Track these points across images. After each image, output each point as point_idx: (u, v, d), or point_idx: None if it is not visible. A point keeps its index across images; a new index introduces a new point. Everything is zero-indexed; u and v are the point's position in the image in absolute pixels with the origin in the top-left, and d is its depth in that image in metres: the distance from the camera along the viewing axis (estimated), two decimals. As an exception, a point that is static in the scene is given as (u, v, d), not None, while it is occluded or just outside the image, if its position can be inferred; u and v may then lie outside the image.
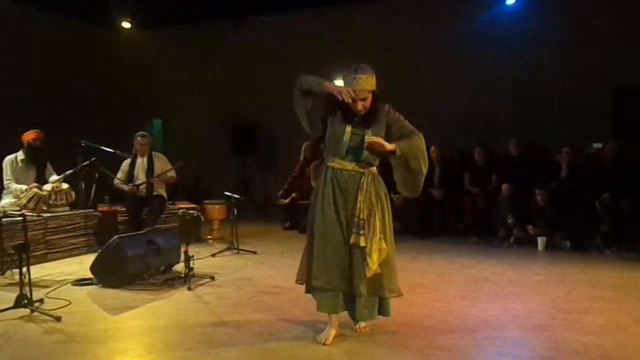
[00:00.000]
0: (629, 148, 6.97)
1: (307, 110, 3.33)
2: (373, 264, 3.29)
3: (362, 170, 3.39)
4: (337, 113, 3.42)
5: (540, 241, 6.75)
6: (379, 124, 3.41)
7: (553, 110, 8.36)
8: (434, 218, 7.85)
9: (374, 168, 3.47)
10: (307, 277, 3.46)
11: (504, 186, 7.22)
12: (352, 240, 3.30)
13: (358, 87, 3.28)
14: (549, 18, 8.45)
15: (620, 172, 6.77)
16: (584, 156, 7.42)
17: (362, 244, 3.28)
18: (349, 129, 3.37)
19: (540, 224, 6.88)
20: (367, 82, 3.31)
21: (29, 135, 6.30)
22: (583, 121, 7.98)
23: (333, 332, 3.42)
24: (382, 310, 3.50)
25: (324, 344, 3.34)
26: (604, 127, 7.85)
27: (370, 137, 3.33)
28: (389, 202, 3.50)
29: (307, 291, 3.53)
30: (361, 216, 3.31)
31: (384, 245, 3.35)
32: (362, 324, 3.59)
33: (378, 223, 3.34)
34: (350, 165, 3.40)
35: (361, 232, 3.29)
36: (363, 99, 3.32)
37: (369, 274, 3.30)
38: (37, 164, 6.35)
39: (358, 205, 3.32)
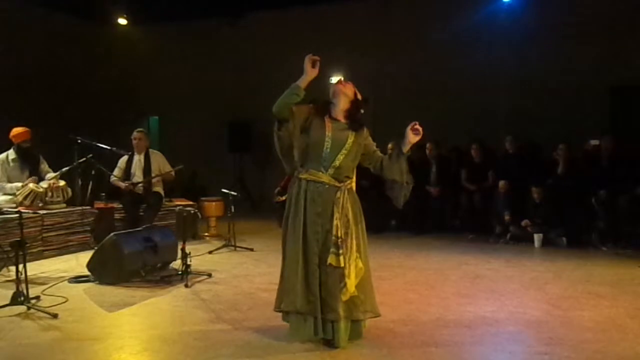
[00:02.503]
0: (625, 145, 6.99)
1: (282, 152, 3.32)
2: (351, 286, 3.14)
3: (337, 185, 3.23)
4: (313, 120, 3.30)
5: (537, 238, 6.76)
6: (362, 133, 3.37)
7: (550, 107, 8.37)
8: (431, 215, 7.85)
9: (350, 182, 3.33)
10: (278, 300, 3.33)
11: (501, 183, 7.22)
12: (329, 261, 3.13)
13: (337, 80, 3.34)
14: (545, 15, 8.44)
15: (617, 168, 6.78)
16: (580, 153, 7.44)
17: (341, 264, 3.12)
18: (329, 133, 3.25)
19: (536, 220, 6.89)
20: (349, 83, 3.39)
21: (17, 137, 6.20)
22: (580, 118, 8.00)
23: None
24: (354, 332, 3.29)
25: None
26: (601, 123, 7.86)
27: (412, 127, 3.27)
28: (363, 218, 3.36)
29: (283, 318, 3.38)
30: (338, 234, 3.15)
31: (361, 264, 3.20)
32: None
33: (354, 242, 3.20)
34: (325, 177, 3.22)
35: (340, 251, 3.13)
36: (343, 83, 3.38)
37: (345, 297, 3.14)
38: (30, 162, 6.31)
39: (335, 222, 3.16)
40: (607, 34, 8.06)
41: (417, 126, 3.30)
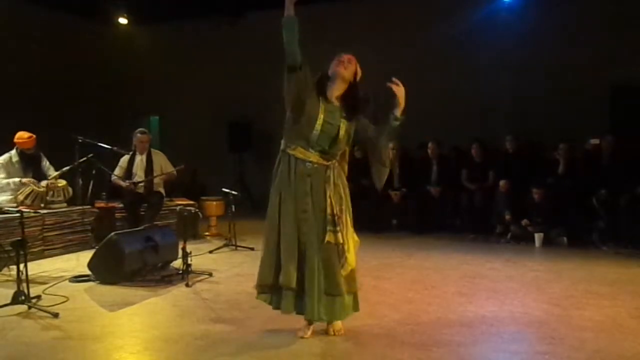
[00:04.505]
0: (625, 144, 6.99)
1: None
2: (352, 260, 3.20)
3: (326, 163, 3.22)
4: (310, 95, 3.20)
5: (537, 237, 6.76)
6: (356, 120, 3.29)
7: (550, 107, 8.36)
8: (431, 214, 7.85)
9: (336, 162, 3.30)
10: (262, 278, 3.31)
11: (502, 182, 7.22)
12: (327, 239, 3.14)
13: (343, 57, 3.24)
14: (545, 14, 8.44)
15: (617, 168, 6.78)
16: (581, 152, 7.44)
17: (340, 240, 3.15)
18: (322, 114, 3.16)
19: (537, 220, 6.89)
20: (351, 62, 3.27)
21: (22, 144, 6.19)
22: (580, 117, 7.99)
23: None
24: (355, 305, 3.37)
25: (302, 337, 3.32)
26: (601, 123, 7.85)
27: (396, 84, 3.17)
28: (348, 192, 3.33)
29: (261, 292, 3.37)
30: (334, 211, 3.16)
31: (356, 237, 3.27)
32: (338, 326, 3.38)
33: (349, 217, 3.24)
34: (314, 157, 3.19)
35: (338, 228, 3.15)
36: (345, 64, 3.24)
37: (345, 272, 3.19)
38: (33, 163, 6.30)
39: (328, 200, 3.16)
40: (607, 33, 8.05)
41: (395, 81, 3.23)
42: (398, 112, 3.25)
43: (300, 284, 3.20)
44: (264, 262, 3.32)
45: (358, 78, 3.34)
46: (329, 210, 3.16)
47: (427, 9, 9.13)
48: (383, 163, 3.37)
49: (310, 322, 3.35)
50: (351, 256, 3.21)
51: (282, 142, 3.31)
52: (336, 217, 3.16)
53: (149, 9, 10.03)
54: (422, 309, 4.04)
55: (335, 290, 3.21)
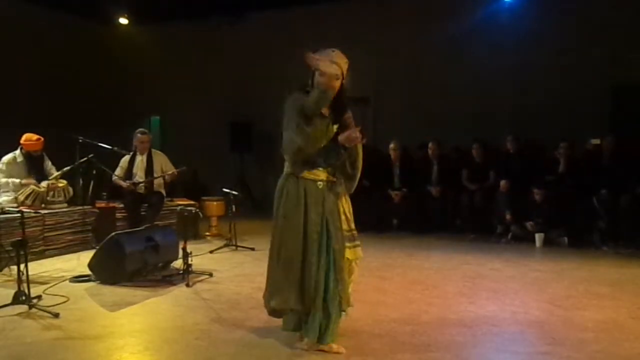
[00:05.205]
0: (626, 144, 6.99)
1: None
2: (356, 276, 3.22)
3: (333, 179, 3.13)
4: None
5: (538, 237, 6.76)
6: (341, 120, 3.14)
7: (551, 107, 8.36)
8: (432, 214, 7.85)
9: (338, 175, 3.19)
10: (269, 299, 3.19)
11: (502, 182, 7.23)
12: (346, 256, 3.08)
13: (336, 58, 3.04)
14: (547, 15, 8.44)
15: (618, 168, 6.78)
16: (581, 152, 7.44)
17: (361, 254, 3.15)
18: (323, 133, 3.03)
19: (538, 220, 6.89)
20: (343, 60, 3.06)
21: (30, 146, 6.20)
22: (581, 117, 7.99)
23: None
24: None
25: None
26: (602, 123, 7.86)
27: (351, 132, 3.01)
28: None
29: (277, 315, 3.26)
30: (351, 227, 3.14)
31: (360, 253, 3.21)
32: (335, 345, 3.19)
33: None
34: (323, 174, 3.10)
35: (357, 242, 3.15)
36: (337, 77, 3.03)
37: (351, 286, 3.19)
38: (37, 163, 6.32)
39: (342, 217, 3.11)
40: (608, 33, 8.05)
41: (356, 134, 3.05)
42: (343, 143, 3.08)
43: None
44: (281, 286, 3.12)
45: (344, 76, 3.12)
46: (345, 227, 3.12)
47: (428, 9, 9.13)
48: (347, 176, 3.22)
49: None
50: (357, 269, 3.23)
51: (287, 165, 3.16)
52: (353, 232, 3.15)
53: (149, 9, 10.04)
54: (423, 309, 4.04)
55: (344, 305, 3.13)
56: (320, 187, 3.10)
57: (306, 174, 3.10)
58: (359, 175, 3.23)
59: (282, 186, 3.17)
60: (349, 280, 3.16)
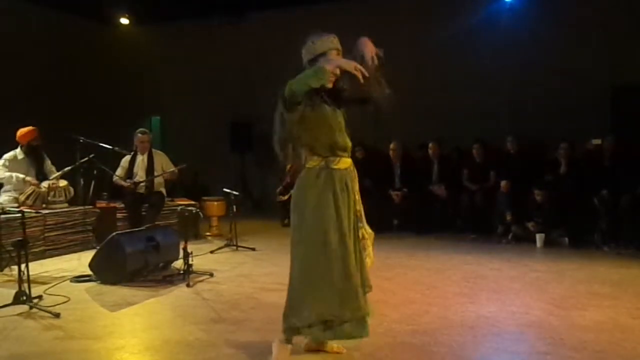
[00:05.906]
0: (627, 144, 6.98)
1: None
2: (372, 253, 3.05)
3: (350, 161, 3.03)
4: (318, 98, 2.92)
5: (539, 238, 6.76)
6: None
7: (552, 107, 8.35)
8: (432, 214, 7.85)
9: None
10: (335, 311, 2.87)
11: (503, 183, 7.23)
12: (360, 236, 3.00)
13: (339, 45, 2.98)
14: (547, 15, 8.43)
15: (619, 168, 6.78)
16: (582, 152, 7.43)
17: (366, 235, 3.03)
18: (333, 119, 2.92)
19: (538, 220, 6.89)
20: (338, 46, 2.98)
21: (26, 137, 6.23)
22: (582, 117, 7.98)
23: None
24: None
25: None
26: (603, 123, 7.85)
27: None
28: None
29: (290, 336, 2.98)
30: (358, 207, 3.03)
31: (369, 229, 3.08)
32: (335, 345, 3.15)
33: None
34: (347, 161, 2.99)
35: (364, 222, 3.05)
36: (336, 76, 2.91)
37: (369, 266, 3.05)
38: (37, 161, 6.34)
39: (357, 197, 3.02)
40: (608, 34, 8.05)
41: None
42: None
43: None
44: (321, 293, 2.84)
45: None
46: (358, 207, 3.02)
47: (428, 9, 9.14)
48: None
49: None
50: (371, 248, 3.06)
51: (311, 158, 2.98)
52: (359, 213, 3.02)
53: (150, 9, 10.04)
54: (423, 309, 4.04)
55: (367, 288, 3.00)
56: (344, 173, 2.96)
57: (336, 164, 2.93)
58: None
59: (304, 185, 2.96)
60: (364, 260, 3.02)
